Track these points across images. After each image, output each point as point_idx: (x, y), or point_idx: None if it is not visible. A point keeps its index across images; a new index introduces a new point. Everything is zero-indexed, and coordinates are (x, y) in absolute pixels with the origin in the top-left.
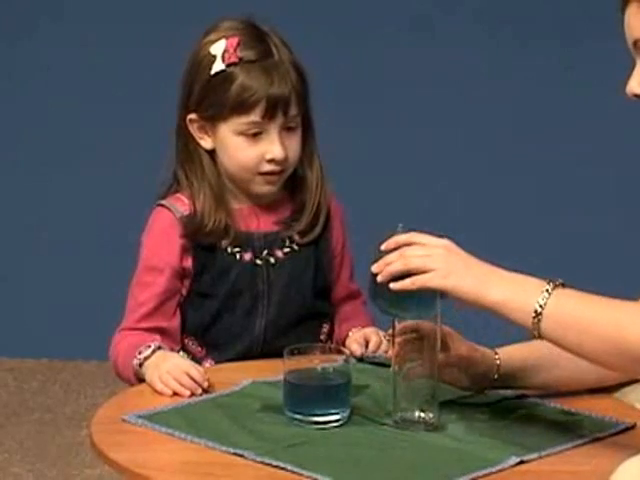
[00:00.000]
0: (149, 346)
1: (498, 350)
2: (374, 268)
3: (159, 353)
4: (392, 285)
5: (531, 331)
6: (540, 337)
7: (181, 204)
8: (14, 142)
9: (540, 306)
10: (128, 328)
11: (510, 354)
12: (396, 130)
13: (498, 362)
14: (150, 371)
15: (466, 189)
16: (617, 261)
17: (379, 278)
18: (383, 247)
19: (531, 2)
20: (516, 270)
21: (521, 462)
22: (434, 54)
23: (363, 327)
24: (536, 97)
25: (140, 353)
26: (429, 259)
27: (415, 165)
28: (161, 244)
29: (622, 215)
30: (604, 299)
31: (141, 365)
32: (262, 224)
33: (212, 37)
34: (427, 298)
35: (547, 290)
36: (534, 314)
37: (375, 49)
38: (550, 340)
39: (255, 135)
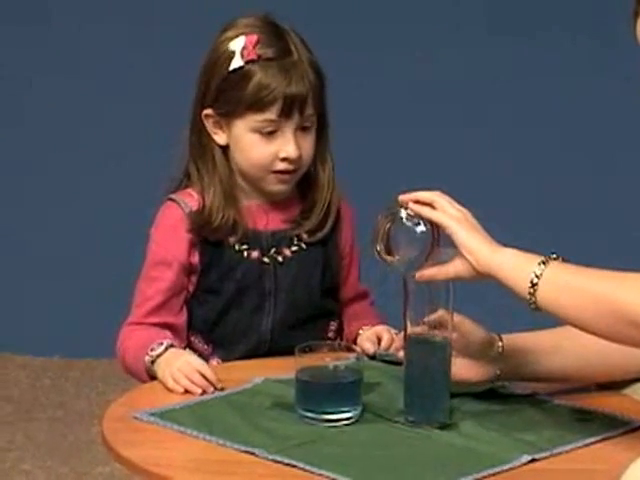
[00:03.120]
0: (161, 343)
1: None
2: (402, 196)
3: (171, 351)
4: (411, 204)
5: (527, 299)
6: (535, 305)
7: (190, 199)
8: (22, 133)
9: (539, 270)
10: (135, 323)
11: (513, 337)
12: (405, 131)
13: (500, 343)
14: (162, 368)
15: (476, 191)
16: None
17: (402, 196)
18: (414, 194)
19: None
20: None
21: (532, 460)
22: (445, 54)
23: (373, 325)
24: (540, 98)
25: (152, 350)
26: (455, 208)
27: (425, 167)
28: (170, 239)
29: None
30: (602, 270)
31: (153, 362)
32: (271, 222)
33: (231, 34)
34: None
35: (550, 257)
36: (533, 277)
37: (387, 50)
38: (546, 307)
39: (270, 133)
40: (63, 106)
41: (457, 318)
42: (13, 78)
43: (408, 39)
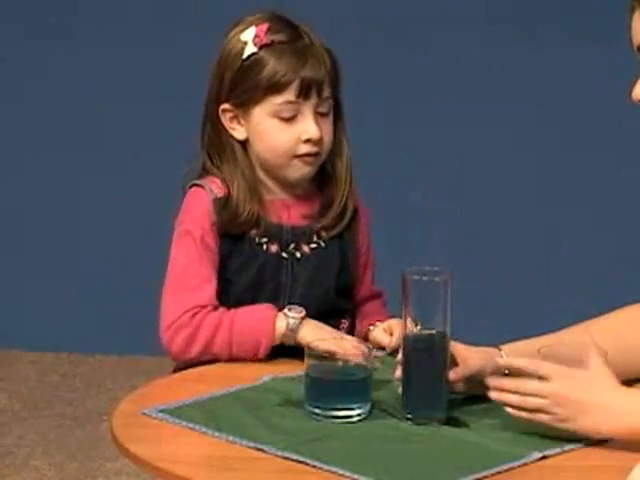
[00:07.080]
0: (300, 311)
1: (502, 347)
2: (490, 381)
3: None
4: (510, 410)
5: None
6: None
7: (215, 186)
8: (22, 132)
9: None
10: (204, 305)
11: (515, 348)
12: (405, 131)
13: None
14: (311, 330)
15: (476, 191)
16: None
17: (493, 395)
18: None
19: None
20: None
21: (543, 457)
22: (446, 53)
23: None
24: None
25: (290, 310)
26: (545, 403)
27: (425, 166)
28: (203, 221)
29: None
30: None
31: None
32: (292, 217)
33: (240, 27)
34: None
35: None
36: None
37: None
38: None
39: (289, 119)
40: (63, 105)
41: (465, 364)
42: (13, 77)
43: (407, 39)
